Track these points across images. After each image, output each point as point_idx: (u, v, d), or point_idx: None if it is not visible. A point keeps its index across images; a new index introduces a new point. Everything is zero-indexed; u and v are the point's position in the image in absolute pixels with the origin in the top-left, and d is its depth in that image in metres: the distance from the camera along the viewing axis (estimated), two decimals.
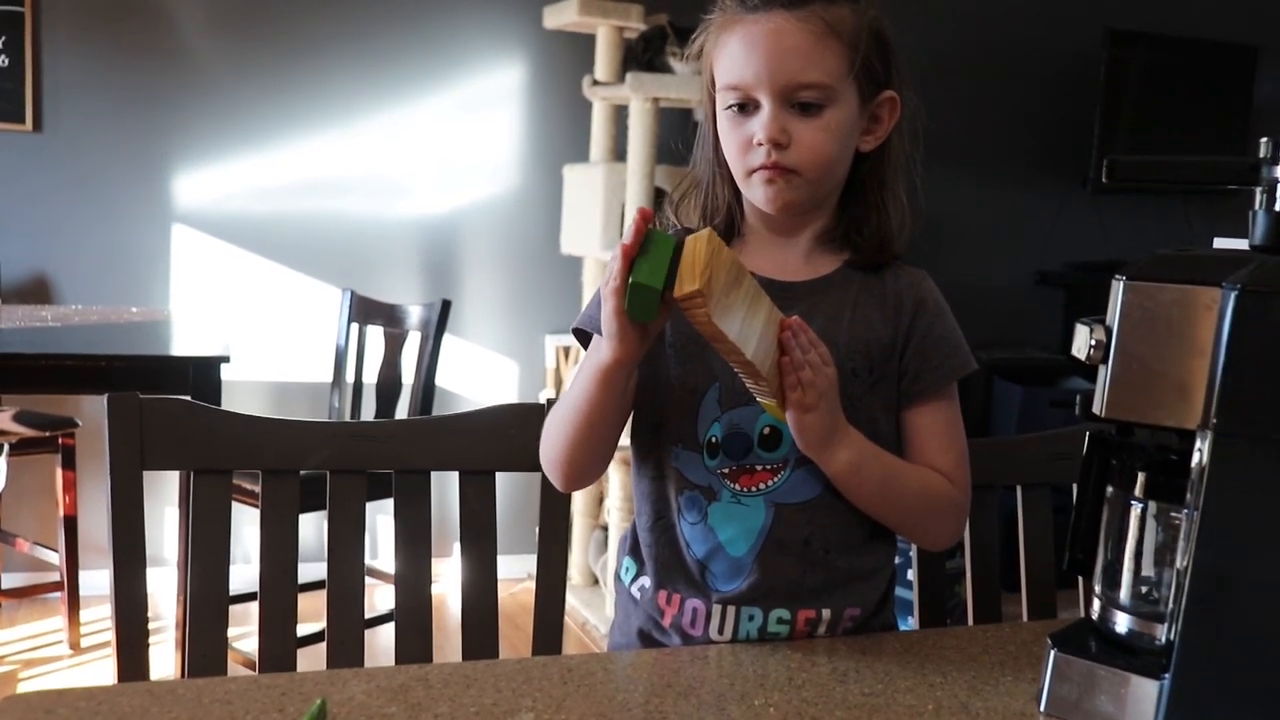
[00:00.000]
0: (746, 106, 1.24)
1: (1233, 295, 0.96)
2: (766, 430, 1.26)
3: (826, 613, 1.27)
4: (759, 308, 1.13)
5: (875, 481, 1.25)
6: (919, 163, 1.35)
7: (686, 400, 1.28)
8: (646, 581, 1.33)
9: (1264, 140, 1.04)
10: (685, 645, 1.28)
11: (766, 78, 1.21)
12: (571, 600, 3.79)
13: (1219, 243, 1.21)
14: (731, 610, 1.27)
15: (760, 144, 1.22)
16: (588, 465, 1.30)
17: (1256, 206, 1.05)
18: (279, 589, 1.33)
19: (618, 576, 1.39)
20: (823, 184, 1.27)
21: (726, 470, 1.27)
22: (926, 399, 1.30)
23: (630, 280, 1.08)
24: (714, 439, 1.27)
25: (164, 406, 1.30)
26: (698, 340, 1.27)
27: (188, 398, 1.35)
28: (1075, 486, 1.15)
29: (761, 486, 1.26)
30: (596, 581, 3.96)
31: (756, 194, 1.26)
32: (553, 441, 1.29)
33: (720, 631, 1.27)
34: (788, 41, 1.21)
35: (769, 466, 1.26)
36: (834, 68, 1.23)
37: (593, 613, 3.75)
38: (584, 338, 1.33)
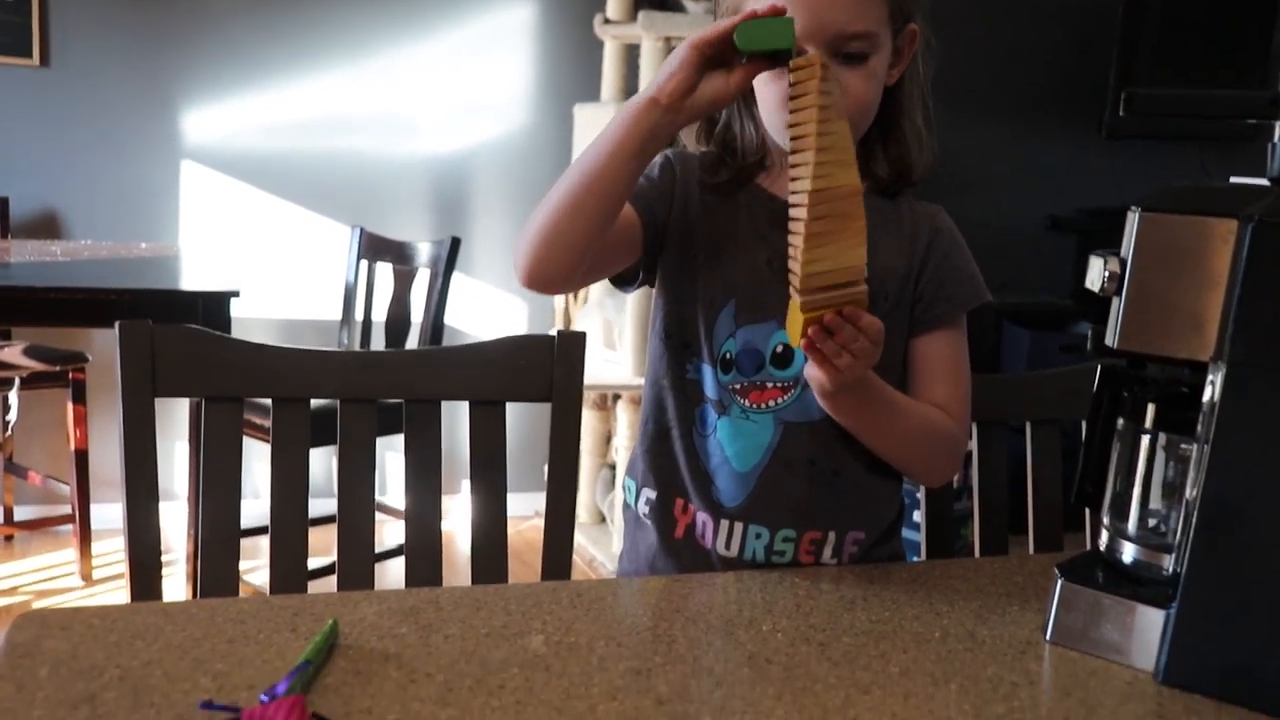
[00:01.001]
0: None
1: (1250, 227, 0.95)
2: (780, 348, 1.27)
3: (832, 534, 1.29)
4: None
5: (871, 417, 1.25)
6: (930, 89, 1.33)
7: (704, 313, 1.29)
8: (651, 494, 1.34)
9: None
10: (692, 566, 1.29)
11: (817, 29, 1.19)
12: (580, 537, 3.81)
13: (1235, 181, 1.20)
14: (739, 526, 1.28)
15: None
16: (568, 240, 1.18)
17: (1276, 139, 1.04)
18: (290, 520, 1.33)
19: (625, 503, 1.40)
20: (861, 128, 1.27)
21: (738, 386, 1.28)
22: (936, 327, 1.30)
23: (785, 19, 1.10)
24: (728, 354, 1.28)
25: (175, 334, 1.31)
26: (720, 255, 1.28)
27: (198, 326, 1.35)
28: (1085, 421, 1.15)
29: (771, 404, 1.27)
30: (604, 519, 3.98)
31: None
32: (536, 215, 1.20)
33: (727, 546, 1.29)
34: None
35: (780, 384, 1.27)
36: (877, 14, 1.22)
37: (600, 549, 3.78)
38: None
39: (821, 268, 1.08)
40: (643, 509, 1.36)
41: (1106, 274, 1.03)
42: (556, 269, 1.20)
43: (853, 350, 1.12)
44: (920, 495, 1.52)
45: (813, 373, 1.17)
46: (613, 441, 3.94)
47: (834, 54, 1.20)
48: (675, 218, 1.30)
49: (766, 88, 1.25)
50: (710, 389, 1.30)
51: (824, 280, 1.09)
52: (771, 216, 1.28)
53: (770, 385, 1.27)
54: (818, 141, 1.08)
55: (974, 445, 1.53)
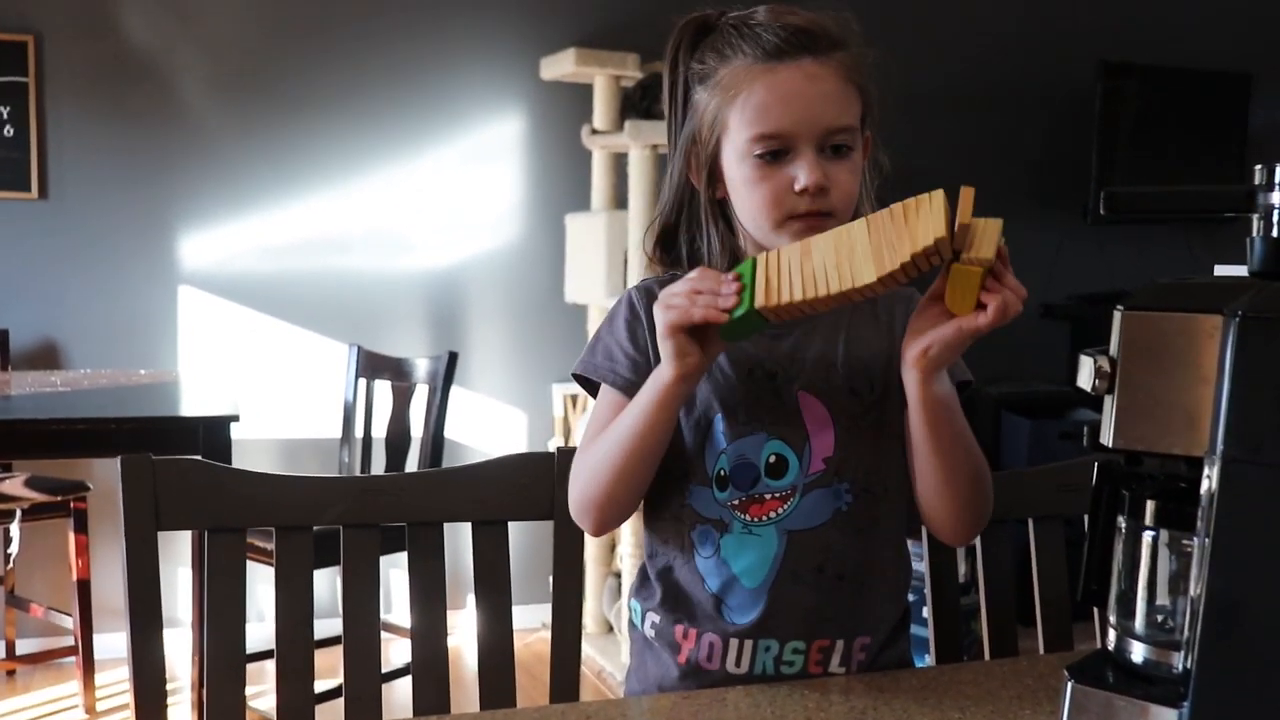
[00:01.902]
0: (779, 154, 1.23)
1: (1234, 322, 0.96)
2: (772, 459, 1.27)
3: (840, 642, 1.28)
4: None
5: (958, 421, 1.23)
6: (877, 197, 1.35)
7: (692, 436, 1.29)
8: (657, 617, 1.33)
9: (1259, 167, 1.05)
10: (700, 684, 1.28)
11: (808, 124, 1.22)
12: (587, 648, 3.78)
13: (1219, 270, 1.22)
14: (749, 643, 1.27)
15: (804, 190, 1.22)
16: (626, 500, 1.29)
17: (1254, 233, 1.05)
18: (295, 645, 1.33)
19: (631, 622, 1.39)
20: (846, 221, 1.29)
21: (736, 502, 1.28)
22: None
23: (749, 306, 1.11)
24: (722, 471, 1.28)
25: (177, 467, 1.31)
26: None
27: (200, 457, 1.35)
28: (1086, 517, 1.15)
29: (772, 515, 1.27)
30: (611, 629, 3.95)
31: (787, 241, 1.24)
32: (591, 480, 1.28)
33: (737, 665, 1.28)
34: (824, 87, 1.23)
35: (777, 494, 1.27)
36: (856, 110, 1.26)
37: (608, 660, 3.74)
38: (586, 384, 1.35)
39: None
40: (649, 631, 1.35)
41: (1097, 373, 1.04)
42: (623, 517, 1.32)
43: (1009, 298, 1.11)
44: (927, 591, 1.51)
45: (957, 327, 1.13)
46: (618, 549, 3.92)
47: (821, 149, 1.23)
48: (655, 361, 1.30)
49: (752, 190, 1.25)
50: (706, 509, 1.29)
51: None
52: None
53: (769, 497, 1.28)
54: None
55: (977, 541, 1.53)
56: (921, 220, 1.07)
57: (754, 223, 1.28)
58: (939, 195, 1.08)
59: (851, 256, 1.09)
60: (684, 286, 1.15)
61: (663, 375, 1.19)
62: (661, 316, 1.15)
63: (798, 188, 1.22)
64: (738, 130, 1.25)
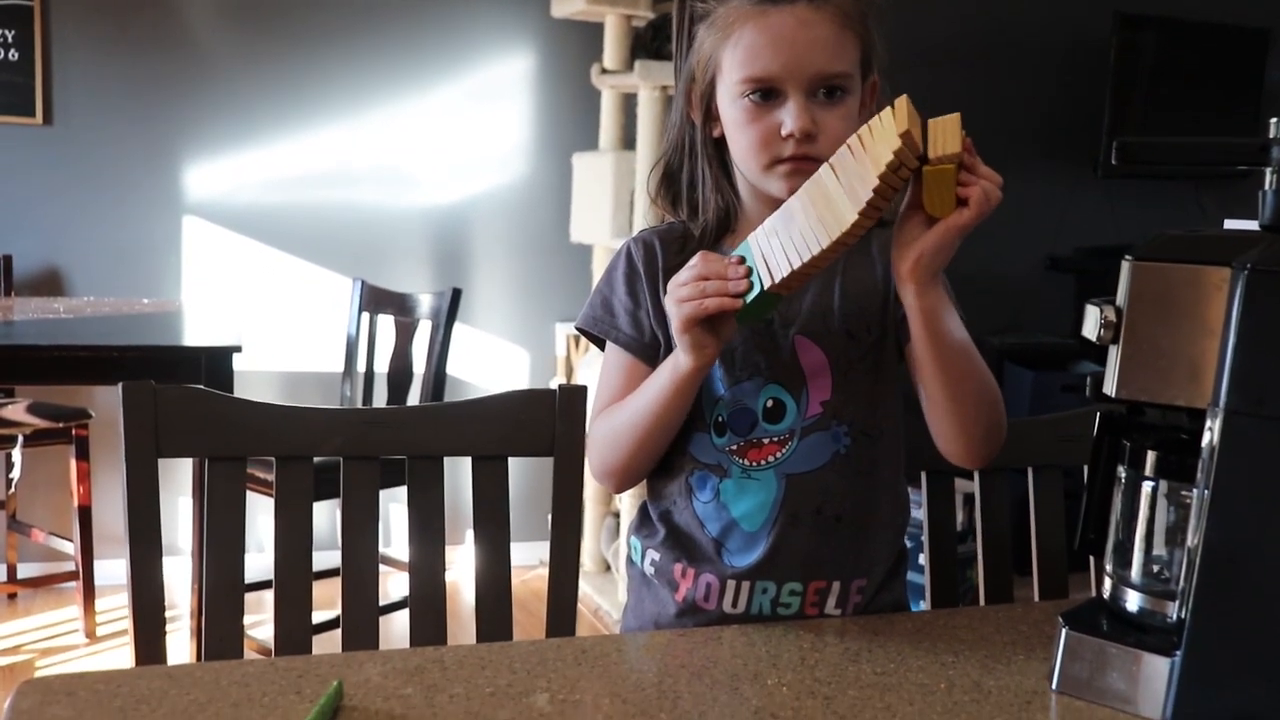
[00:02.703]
0: (769, 95, 1.22)
1: (1242, 275, 0.96)
2: (770, 403, 1.27)
3: (836, 584, 1.29)
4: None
5: (956, 330, 1.21)
6: None
7: None
8: (656, 555, 1.34)
9: (1274, 120, 1.04)
10: (696, 623, 1.29)
11: (796, 69, 1.21)
12: (585, 587, 3.80)
13: (1229, 224, 1.21)
14: (746, 584, 1.28)
15: (790, 135, 1.21)
16: (647, 465, 1.32)
17: (1266, 187, 1.05)
18: (294, 575, 1.33)
19: (629, 559, 1.40)
20: None
21: (735, 447, 1.28)
22: None
23: (760, 289, 1.13)
24: (720, 417, 1.29)
25: (178, 394, 1.31)
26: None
27: (200, 385, 1.35)
28: (1086, 467, 1.15)
29: (770, 459, 1.27)
30: (608, 568, 3.97)
31: (776, 185, 1.25)
32: (613, 450, 1.31)
33: (734, 605, 1.29)
34: (815, 32, 1.21)
35: (775, 439, 1.27)
36: (852, 56, 1.24)
37: (605, 599, 3.76)
38: (591, 337, 1.35)
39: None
40: (648, 569, 1.36)
41: (1103, 323, 1.03)
42: (643, 478, 1.36)
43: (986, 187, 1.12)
44: (925, 538, 1.52)
45: (945, 227, 1.12)
46: None
47: (812, 94, 1.22)
48: (654, 316, 1.32)
49: (740, 132, 1.25)
50: (705, 455, 1.30)
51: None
52: None
53: (767, 441, 1.28)
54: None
55: (976, 489, 1.53)
56: (876, 141, 1.06)
57: (745, 164, 1.28)
58: (887, 111, 1.07)
59: (829, 204, 1.08)
60: (689, 275, 1.15)
61: (681, 366, 1.20)
62: (674, 311, 1.16)
63: (784, 132, 1.21)
64: (730, 71, 1.25)
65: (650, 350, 1.32)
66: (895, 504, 1.34)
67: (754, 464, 1.28)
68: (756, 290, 1.13)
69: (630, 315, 1.32)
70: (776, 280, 1.11)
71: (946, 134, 1.08)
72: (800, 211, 1.11)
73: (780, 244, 1.11)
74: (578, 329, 1.38)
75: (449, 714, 0.96)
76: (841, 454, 1.28)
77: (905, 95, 1.07)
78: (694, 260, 1.16)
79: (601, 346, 1.37)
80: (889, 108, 1.07)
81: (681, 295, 1.15)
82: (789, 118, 1.21)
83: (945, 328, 1.19)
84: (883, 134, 1.06)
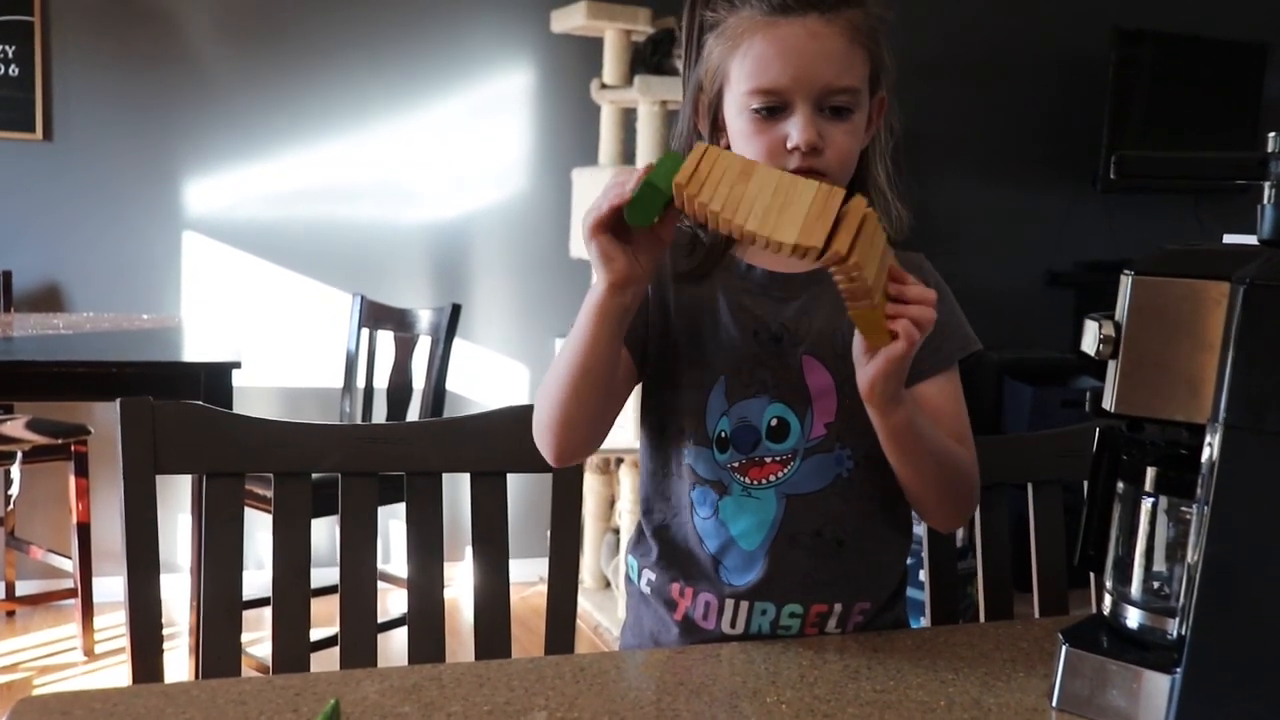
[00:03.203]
0: (775, 110, 1.22)
1: (1241, 289, 0.96)
2: (774, 422, 1.26)
3: (838, 606, 1.28)
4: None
5: (924, 442, 1.22)
6: (892, 159, 1.33)
7: (693, 396, 1.28)
8: (653, 575, 1.33)
9: (1272, 135, 1.04)
10: (696, 641, 1.29)
11: (805, 81, 1.20)
12: (584, 603, 3.79)
13: (1228, 238, 1.21)
14: (745, 605, 1.27)
15: (795, 148, 1.20)
16: (583, 424, 1.25)
17: (1265, 201, 1.04)
18: (292, 592, 1.33)
19: (627, 577, 1.39)
20: (842, 183, 1.27)
21: (736, 464, 1.27)
22: (929, 379, 1.29)
23: (645, 178, 1.08)
24: (723, 433, 1.27)
25: (176, 410, 1.31)
26: (701, 336, 1.28)
27: (199, 401, 1.35)
28: (1086, 483, 1.15)
29: (772, 478, 1.27)
30: (608, 585, 3.96)
31: None
32: (545, 402, 1.25)
33: (733, 625, 1.28)
34: (825, 45, 1.20)
35: (778, 458, 1.27)
36: (861, 71, 1.23)
37: (605, 615, 3.75)
38: None
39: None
40: (644, 588, 1.35)
41: (1101, 338, 1.03)
42: (579, 445, 1.28)
43: (922, 298, 1.11)
44: (925, 555, 1.52)
45: (885, 360, 1.12)
46: (616, 505, 3.93)
47: (819, 107, 1.21)
48: (653, 319, 1.30)
49: (746, 144, 1.24)
50: (706, 471, 1.29)
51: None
52: (751, 286, 1.29)
53: (769, 460, 1.27)
54: (748, 225, 1.05)
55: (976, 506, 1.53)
56: (841, 231, 1.05)
57: None
58: (855, 201, 1.07)
59: (783, 211, 1.06)
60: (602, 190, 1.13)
61: (595, 288, 1.16)
62: (582, 225, 1.14)
63: (790, 145, 1.21)
64: (737, 82, 1.24)
65: (635, 335, 1.28)
66: (898, 528, 1.33)
67: (755, 482, 1.27)
68: (644, 182, 1.08)
69: None
70: (688, 190, 1.07)
71: (879, 266, 1.08)
72: (757, 184, 1.07)
73: (719, 178, 1.07)
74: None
75: None
76: (844, 477, 1.27)
77: (867, 206, 1.07)
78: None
79: None
80: (852, 203, 1.06)
81: (588, 208, 1.13)
82: (795, 130, 1.20)
83: (908, 442, 1.21)
84: (846, 230, 1.05)
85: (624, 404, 1.30)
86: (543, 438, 1.28)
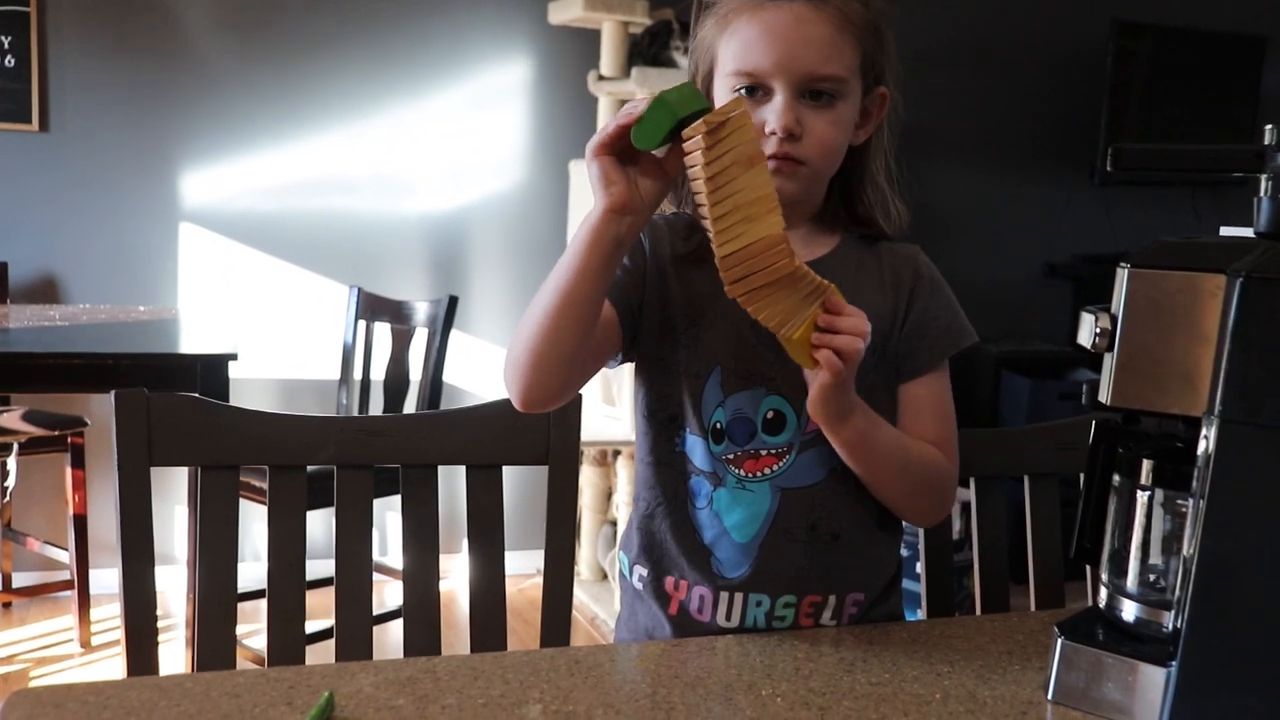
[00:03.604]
0: (756, 92, 1.22)
1: (1238, 282, 0.96)
2: (770, 414, 1.26)
3: (832, 598, 1.28)
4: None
5: (881, 451, 1.24)
6: (895, 156, 1.33)
7: (690, 385, 1.28)
8: (644, 571, 1.33)
9: (1269, 127, 1.04)
10: (690, 634, 1.29)
11: (786, 66, 1.20)
12: (581, 595, 3.79)
13: (1225, 231, 1.21)
14: (739, 597, 1.27)
15: (773, 133, 1.21)
16: (550, 364, 1.19)
17: (1261, 193, 1.04)
18: (287, 584, 1.33)
19: (620, 573, 1.39)
20: (823, 176, 1.27)
21: (732, 456, 1.27)
22: (922, 374, 1.30)
23: (659, 101, 1.07)
24: (719, 424, 1.27)
25: (171, 402, 1.31)
26: (700, 324, 1.27)
27: (194, 394, 1.35)
28: (1082, 476, 1.15)
29: (767, 471, 1.26)
30: (605, 577, 3.97)
31: None
32: (519, 339, 1.21)
33: (727, 618, 1.28)
34: (809, 31, 1.20)
35: (774, 451, 1.26)
36: (849, 61, 1.23)
37: (602, 607, 3.76)
38: None
39: (778, 320, 1.11)
40: (637, 584, 1.35)
41: (1098, 330, 1.03)
42: (548, 389, 1.22)
43: (851, 327, 1.13)
44: (921, 547, 1.51)
45: (818, 386, 1.16)
46: (614, 498, 3.93)
47: (801, 94, 1.21)
48: (650, 296, 1.29)
49: None
50: (701, 461, 1.28)
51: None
52: None
53: (765, 453, 1.27)
54: (712, 209, 1.06)
55: (972, 498, 1.53)
56: (761, 274, 1.09)
57: None
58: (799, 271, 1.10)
59: (746, 224, 1.07)
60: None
61: (591, 213, 1.15)
62: (587, 147, 1.13)
63: (768, 129, 1.21)
64: (724, 63, 1.25)
65: (627, 299, 1.28)
66: (892, 522, 1.33)
67: (750, 475, 1.27)
68: (653, 103, 1.07)
69: (625, 273, 1.28)
70: (691, 134, 1.06)
71: (797, 308, 1.12)
72: (755, 185, 1.07)
73: (726, 152, 1.05)
74: None
75: None
76: (839, 471, 1.27)
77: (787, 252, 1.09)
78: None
79: None
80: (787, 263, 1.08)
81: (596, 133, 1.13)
82: (773, 115, 1.20)
83: (867, 449, 1.23)
84: (761, 259, 1.08)
85: (600, 366, 1.29)
86: (512, 377, 1.22)
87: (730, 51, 1.23)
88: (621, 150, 1.12)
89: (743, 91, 1.22)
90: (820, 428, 1.22)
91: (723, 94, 1.25)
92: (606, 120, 3.80)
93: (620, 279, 1.27)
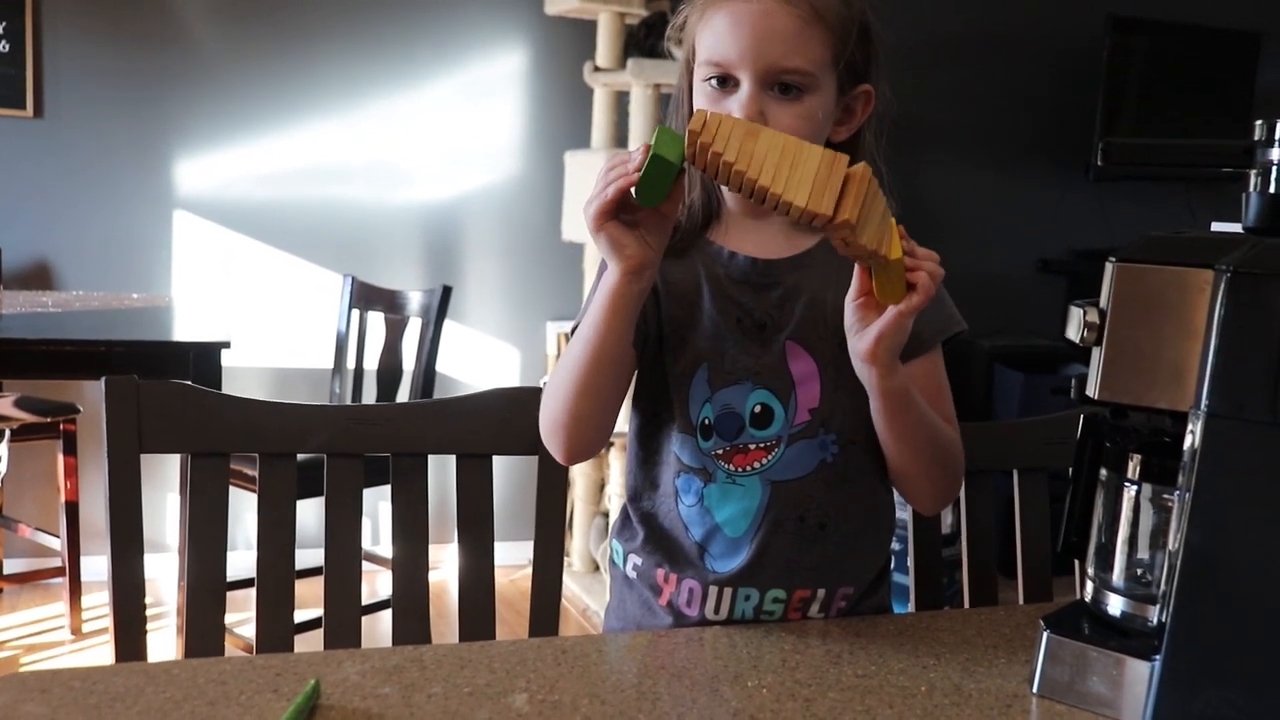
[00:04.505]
0: (726, 83, 1.23)
1: (1225, 278, 0.96)
2: (758, 408, 1.26)
3: (821, 591, 1.28)
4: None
5: (918, 410, 1.23)
6: (881, 154, 1.33)
7: (677, 384, 1.28)
8: (639, 559, 1.33)
9: (1259, 123, 1.04)
10: (679, 625, 1.29)
11: (751, 58, 1.20)
12: (573, 586, 3.80)
13: (1216, 226, 1.21)
14: (728, 591, 1.27)
15: None
16: (593, 420, 1.24)
17: (1251, 189, 1.05)
18: (277, 572, 1.33)
19: (612, 561, 1.39)
20: None
21: (720, 451, 1.27)
22: (912, 360, 1.29)
23: (650, 153, 1.07)
24: (706, 420, 1.27)
25: (161, 389, 1.31)
26: (684, 323, 1.27)
27: (186, 381, 1.35)
28: (1070, 470, 1.15)
29: (756, 465, 1.27)
30: (597, 568, 3.97)
31: None
32: (555, 399, 1.25)
33: (716, 611, 1.28)
34: (775, 24, 1.20)
35: (762, 445, 1.27)
36: (818, 55, 1.22)
37: (593, 599, 3.76)
38: None
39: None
40: (630, 573, 1.35)
41: (1085, 324, 1.03)
42: (593, 441, 1.27)
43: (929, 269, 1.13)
44: (910, 540, 1.52)
45: (895, 315, 1.13)
46: (606, 489, 3.93)
47: (768, 86, 1.21)
48: (648, 306, 1.29)
49: None
50: (690, 458, 1.28)
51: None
52: (734, 273, 1.28)
53: (753, 447, 1.27)
54: (760, 184, 1.05)
55: (961, 492, 1.53)
56: (849, 196, 1.05)
57: None
58: (856, 169, 1.07)
59: (793, 171, 1.06)
60: (597, 175, 1.12)
61: (609, 277, 1.16)
62: (585, 215, 1.13)
63: None
64: (698, 53, 1.26)
65: (639, 336, 1.27)
66: (882, 512, 1.33)
67: (739, 469, 1.27)
68: (649, 159, 1.08)
69: None
70: (704, 139, 1.05)
71: (889, 231, 1.09)
72: (765, 144, 1.07)
73: (729, 135, 1.06)
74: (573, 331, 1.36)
75: (426, 714, 0.96)
76: (828, 462, 1.27)
77: (869, 172, 1.07)
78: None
79: None
80: (855, 170, 1.06)
81: (590, 197, 1.12)
82: (737, 105, 1.21)
83: (905, 407, 1.21)
84: (853, 196, 1.05)
85: (625, 395, 1.30)
86: (554, 437, 1.27)
87: (704, 41, 1.24)
88: (620, 209, 1.12)
89: (714, 82, 1.23)
90: (873, 371, 1.17)
91: (698, 85, 1.26)
92: (603, 112, 3.79)
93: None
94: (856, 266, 1.15)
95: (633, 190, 1.09)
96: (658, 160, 1.08)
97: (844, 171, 1.06)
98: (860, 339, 1.17)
